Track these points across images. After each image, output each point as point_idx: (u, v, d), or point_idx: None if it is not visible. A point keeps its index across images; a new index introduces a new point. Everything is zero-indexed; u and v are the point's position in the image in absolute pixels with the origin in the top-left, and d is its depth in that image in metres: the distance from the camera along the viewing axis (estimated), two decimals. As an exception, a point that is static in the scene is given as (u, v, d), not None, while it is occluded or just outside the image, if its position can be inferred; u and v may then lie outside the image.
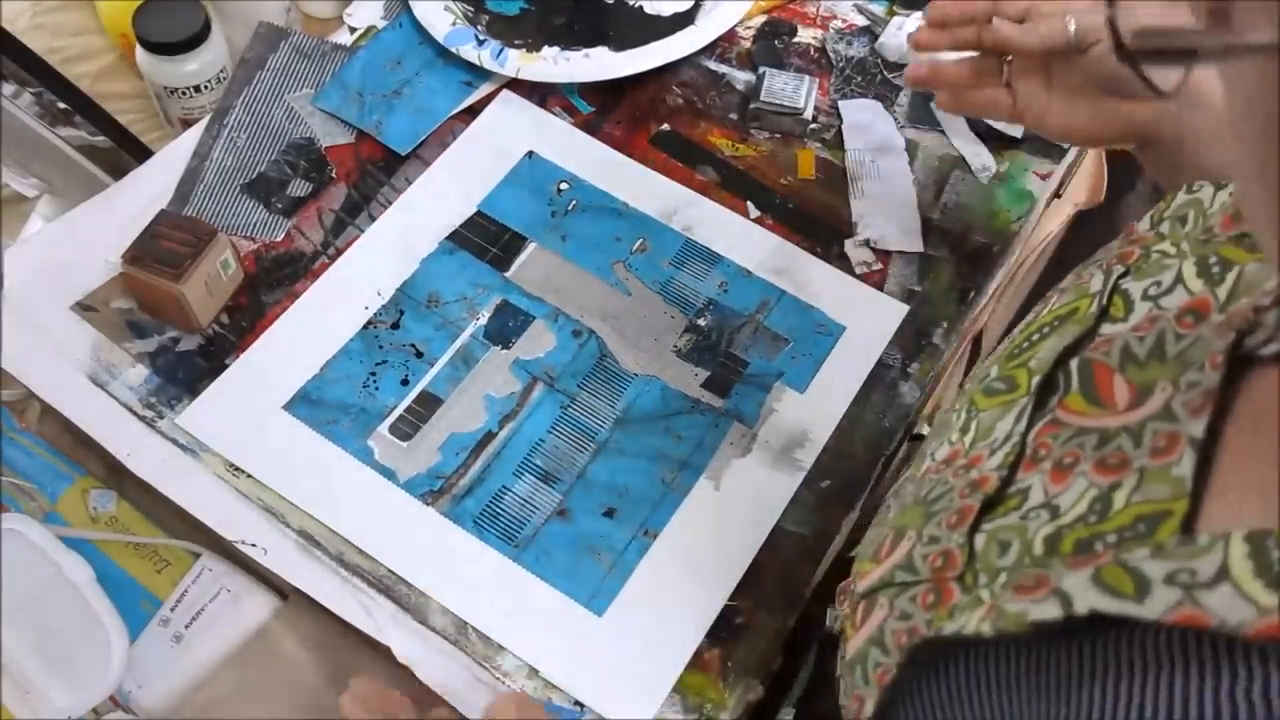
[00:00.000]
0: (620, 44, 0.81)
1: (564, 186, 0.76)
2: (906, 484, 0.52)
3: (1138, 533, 0.35)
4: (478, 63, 0.79)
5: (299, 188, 0.75)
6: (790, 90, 0.79)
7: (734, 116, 0.80)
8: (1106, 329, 0.44)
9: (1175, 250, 0.44)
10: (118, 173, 0.75)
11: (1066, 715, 0.33)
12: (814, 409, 0.68)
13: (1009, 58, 0.62)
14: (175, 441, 0.65)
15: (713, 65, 0.83)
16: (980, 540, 0.41)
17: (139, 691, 0.60)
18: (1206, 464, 0.35)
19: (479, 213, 0.75)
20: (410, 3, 0.82)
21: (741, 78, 0.82)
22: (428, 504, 0.64)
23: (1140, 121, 0.60)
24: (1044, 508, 0.39)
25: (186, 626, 0.62)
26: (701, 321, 0.71)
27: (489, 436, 0.66)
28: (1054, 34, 0.58)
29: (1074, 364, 0.43)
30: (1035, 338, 0.47)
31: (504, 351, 0.69)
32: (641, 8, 0.84)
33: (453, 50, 0.80)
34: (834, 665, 0.52)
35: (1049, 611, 0.34)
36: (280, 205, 0.74)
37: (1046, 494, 0.40)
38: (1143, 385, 0.39)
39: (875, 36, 0.84)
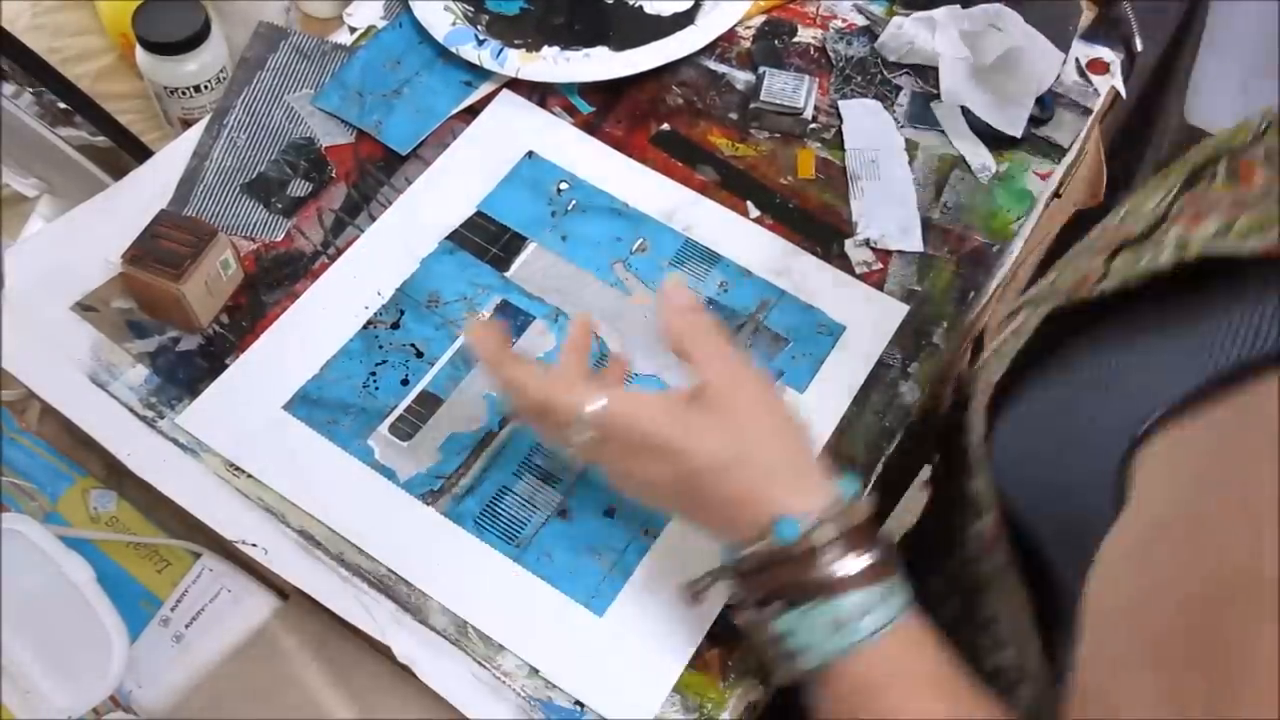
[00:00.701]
0: (620, 44, 0.81)
1: (564, 186, 0.76)
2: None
3: (1248, 230, 0.41)
4: (478, 63, 0.79)
5: (299, 188, 0.75)
6: (790, 90, 0.79)
7: (734, 116, 0.80)
8: (1257, 146, 0.48)
9: None
10: (118, 173, 0.75)
11: (1192, 346, 0.40)
12: (814, 409, 0.68)
13: None
14: (175, 441, 0.65)
15: (713, 65, 0.83)
16: (1119, 260, 0.49)
17: (139, 691, 0.60)
18: None
19: (479, 213, 0.75)
20: (410, 3, 0.82)
21: (741, 78, 0.82)
22: (428, 504, 0.64)
23: None
24: (1179, 240, 0.45)
25: (186, 626, 0.62)
26: (701, 321, 0.71)
27: (489, 436, 0.66)
28: None
29: (1222, 164, 0.48)
30: (1195, 152, 0.52)
31: (504, 351, 0.69)
32: (641, 8, 0.84)
33: (453, 50, 0.80)
34: None
35: (1164, 257, 0.44)
36: (280, 205, 0.74)
37: (1182, 232, 0.45)
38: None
39: (875, 36, 0.84)
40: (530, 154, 0.77)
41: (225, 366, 0.68)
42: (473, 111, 0.79)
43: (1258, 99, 0.56)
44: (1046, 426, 0.50)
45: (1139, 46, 0.85)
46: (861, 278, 0.73)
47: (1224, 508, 0.36)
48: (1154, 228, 0.48)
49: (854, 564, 0.48)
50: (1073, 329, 0.51)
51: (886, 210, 0.76)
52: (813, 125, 0.80)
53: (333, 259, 0.72)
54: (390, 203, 0.75)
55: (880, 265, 0.74)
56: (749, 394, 0.53)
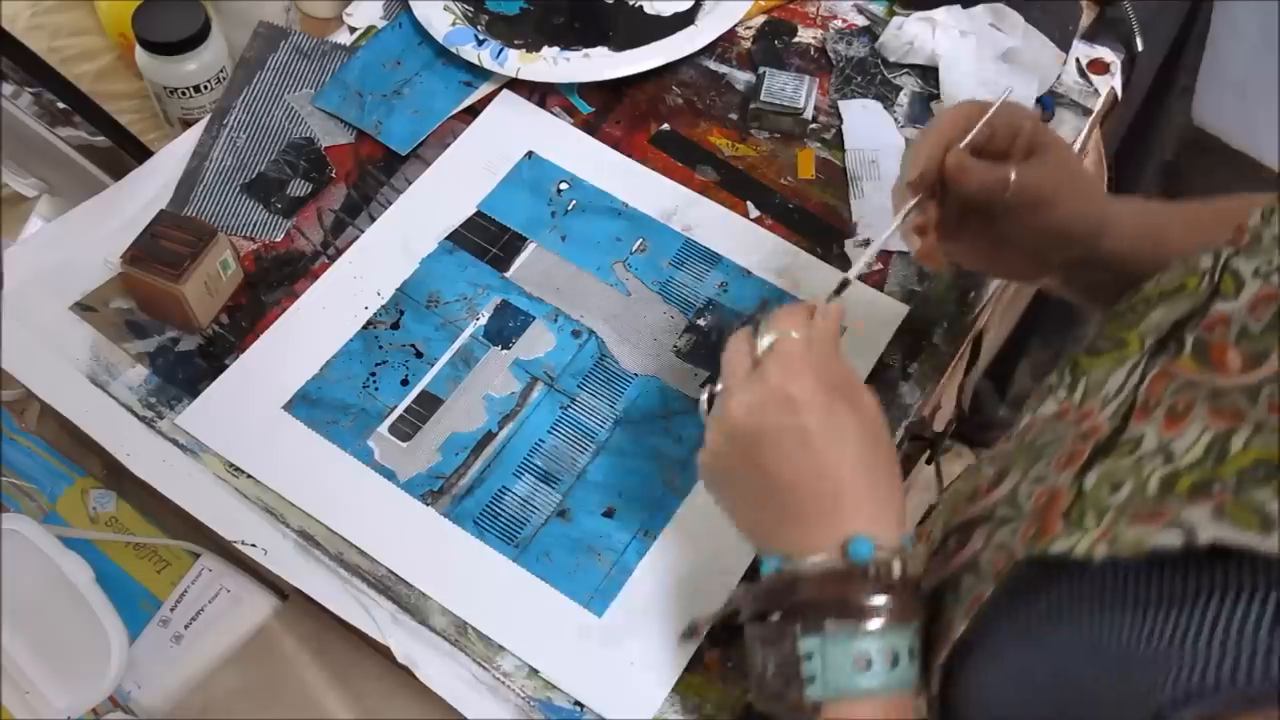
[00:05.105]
0: (620, 44, 0.81)
1: (564, 186, 0.76)
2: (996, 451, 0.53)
3: (1257, 477, 0.35)
4: (477, 63, 0.79)
5: (299, 188, 0.75)
6: (790, 90, 0.79)
7: (734, 116, 0.80)
8: (1218, 305, 0.43)
9: None
10: (118, 173, 0.75)
11: (1170, 631, 0.35)
12: (814, 409, 0.67)
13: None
14: (175, 441, 0.65)
15: (713, 65, 0.83)
16: (1090, 480, 0.42)
17: (139, 691, 0.60)
18: None
19: (479, 213, 0.75)
20: (410, 3, 0.82)
21: (741, 78, 0.82)
22: (428, 504, 0.63)
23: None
24: (1159, 452, 0.40)
25: (186, 626, 0.62)
26: (701, 321, 0.71)
27: (489, 436, 0.66)
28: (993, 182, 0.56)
29: (1188, 338, 0.43)
30: (1141, 307, 0.48)
31: (504, 351, 0.69)
32: (641, 8, 0.84)
33: (452, 50, 0.80)
34: None
35: (1169, 539, 0.35)
36: (280, 205, 0.74)
37: (1160, 440, 0.40)
38: (1255, 353, 0.40)
39: (875, 36, 0.84)
40: (530, 154, 0.77)
41: (225, 366, 0.68)
42: (473, 111, 0.79)
43: (1258, 99, 0.56)
44: (1032, 697, 0.42)
45: (1140, 46, 0.85)
46: (861, 278, 0.73)
47: None
48: (1125, 419, 0.43)
49: (898, 605, 0.46)
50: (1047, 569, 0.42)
51: (887, 210, 0.76)
52: (813, 125, 0.80)
53: (333, 259, 0.72)
54: (390, 203, 0.75)
55: (880, 265, 0.74)
56: (876, 411, 0.51)
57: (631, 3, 0.85)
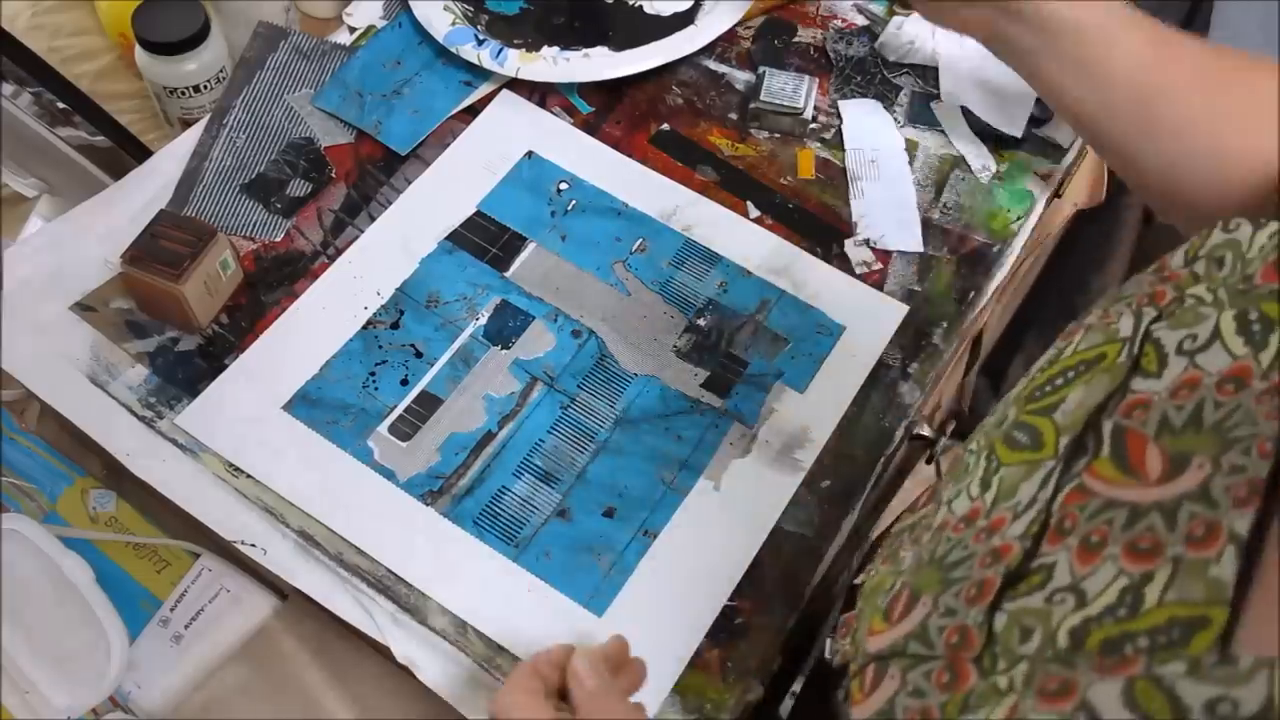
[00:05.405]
0: (620, 44, 0.81)
1: (564, 186, 0.76)
2: (922, 529, 0.50)
3: (1171, 639, 0.33)
4: (477, 63, 0.79)
5: (298, 188, 0.75)
6: (790, 90, 0.79)
7: (734, 116, 0.80)
8: (1138, 384, 0.41)
9: (1212, 298, 0.42)
10: (117, 173, 0.75)
11: None
12: (814, 409, 0.68)
13: None
14: (175, 441, 0.65)
15: (713, 65, 0.83)
16: (1000, 621, 0.40)
17: (139, 691, 0.60)
18: (1249, 567, 0.33)
19: (479, 212, 0.75)
20: (410, 3, 0.82)
21: (741, 77, 0.82)
22: (427, 504, 0.64)
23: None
24: (1070, 591, 0.38)
25: (186, 626, 0.62)
26: (701, 321, 0.71)
27: (489, 436, 0.66)
28: None
29: (1106, 427, 0.41)
30: (1059, 382, 0.45)
31: (504, 351, 0.69)
32: (641, 8, 0.84)
33: (452, 50, 0.80)
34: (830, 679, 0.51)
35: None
36: (280, 205, 0.74)
37: (1073, 575, 0.38)
38: (1177, 456, 0.37)
39: (875, 36, 0.84)
40: (530, 154, 0.77)
41: (225, 366, 0.68)
42: (473, 111, 0.79)
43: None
44: None
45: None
46: (861, 278, 0.73)
47: None
48: (1036, 540, 0.41)
49: None
50: None
51: (886, 210, 0.76)
52: (813, 125, 0.80)
53: (332, 259, 0.72)
54: (390, 203, 0.75)
55: (880, 265, 0.74)
56: None
57: (631, 3, 0.85)
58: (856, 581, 0.57)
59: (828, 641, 0.55)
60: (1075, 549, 0.38)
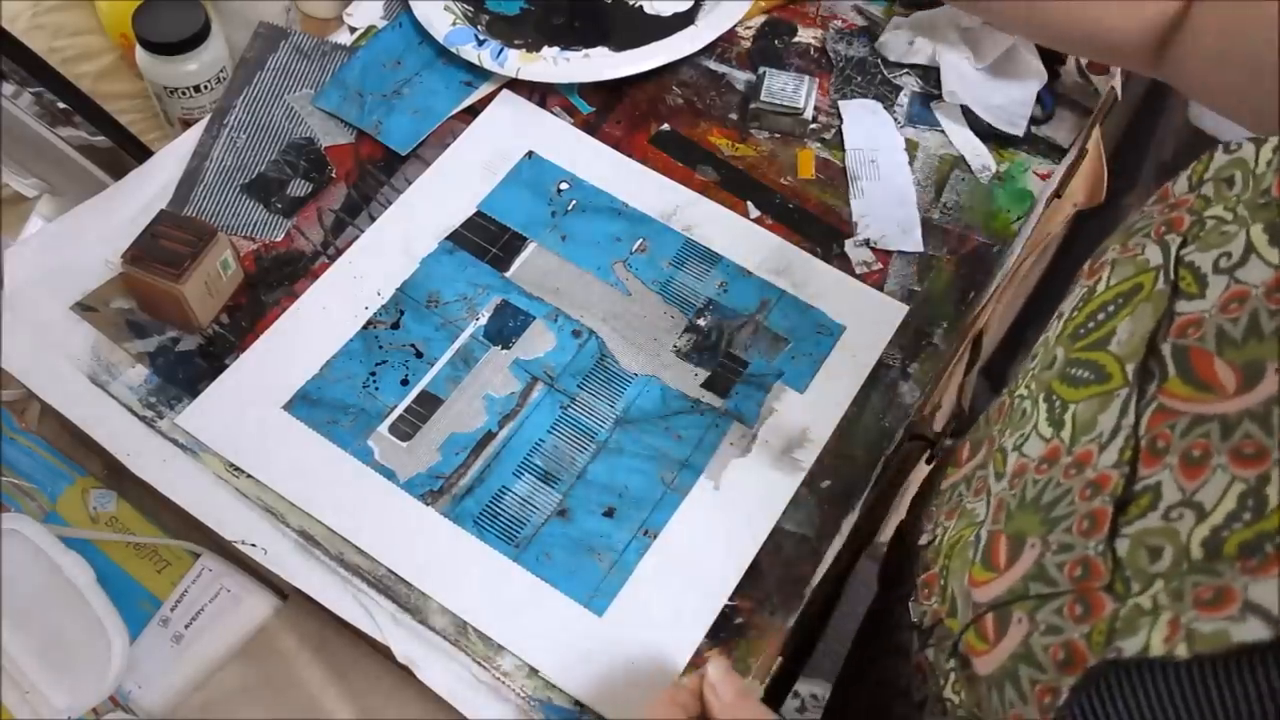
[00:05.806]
0: (620, 44, 0.81)
1: (564, 186, 0.76)
2: (982, 481, 0.51)
3: None
4: (478, 63, 0.79)
5: (299, 188, 0.75)
6: (790, 90, 0.79)
7: (734, 116, 0.80)
8: (1183, 305, 0.42)
9: (1232, 216, 0.42)
10: (118, 173, 0.75)
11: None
12: (814, 409, 0.68)
13: None
14: (175, 441, 0.65)
15: (713, 65, 0.83)
16: (1124, 546, 0.40)
17: (139, 691, 0.60)
18: None
19: (479, 212, 0.75)
20: (410, 3, 0.82)
21: (741, 78, 0.82)
22: (428, 504, 0.64)
23: None
24: (1185, 506, 0.38)
25: (186, 626, 0.62)
26: (701, 321, 0.71)
27: (489, 436, 0.66)
28: None
29: (1165, 349, 0.42)
30: (1101, 317, 0.46)
31: (504, 351, 0.69)
32: (641, 8, 0.84)
33: (453, 50, 0.80)
34: (878, 648, 0.51)
35: (1255, 632, 0.33)
36: (280, 205, 0.74)
37: (1183, 491, 0.38)
38: (1248, 366, 0.38)
39: (875, 36, 0.84)
40: (530, 154, 0.77)
41: (225, 366, 0.68)
42: (473, 111, 0.79)
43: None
44: None
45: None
46: (861, 278, 0.73)
47: None
48: (1132, 465, 0.41)
49: None
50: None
51: (886, 210, 0.76)
52: (813, 125, 0.80)
53: (333, 259, 0.72)
54: (390, 203, 0.75)
55: (880, 265, 0.74)
56: None
57: (631, 3, 0.85)
58: (922, 542, 0.58)
59: (911, 605, 0.55)
60: (1177, 466, 0.39)
